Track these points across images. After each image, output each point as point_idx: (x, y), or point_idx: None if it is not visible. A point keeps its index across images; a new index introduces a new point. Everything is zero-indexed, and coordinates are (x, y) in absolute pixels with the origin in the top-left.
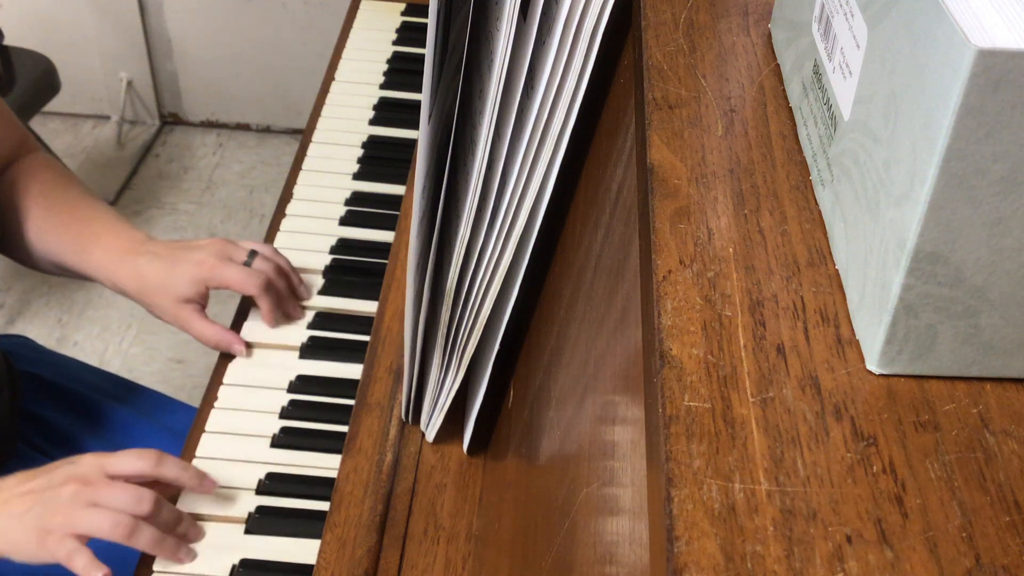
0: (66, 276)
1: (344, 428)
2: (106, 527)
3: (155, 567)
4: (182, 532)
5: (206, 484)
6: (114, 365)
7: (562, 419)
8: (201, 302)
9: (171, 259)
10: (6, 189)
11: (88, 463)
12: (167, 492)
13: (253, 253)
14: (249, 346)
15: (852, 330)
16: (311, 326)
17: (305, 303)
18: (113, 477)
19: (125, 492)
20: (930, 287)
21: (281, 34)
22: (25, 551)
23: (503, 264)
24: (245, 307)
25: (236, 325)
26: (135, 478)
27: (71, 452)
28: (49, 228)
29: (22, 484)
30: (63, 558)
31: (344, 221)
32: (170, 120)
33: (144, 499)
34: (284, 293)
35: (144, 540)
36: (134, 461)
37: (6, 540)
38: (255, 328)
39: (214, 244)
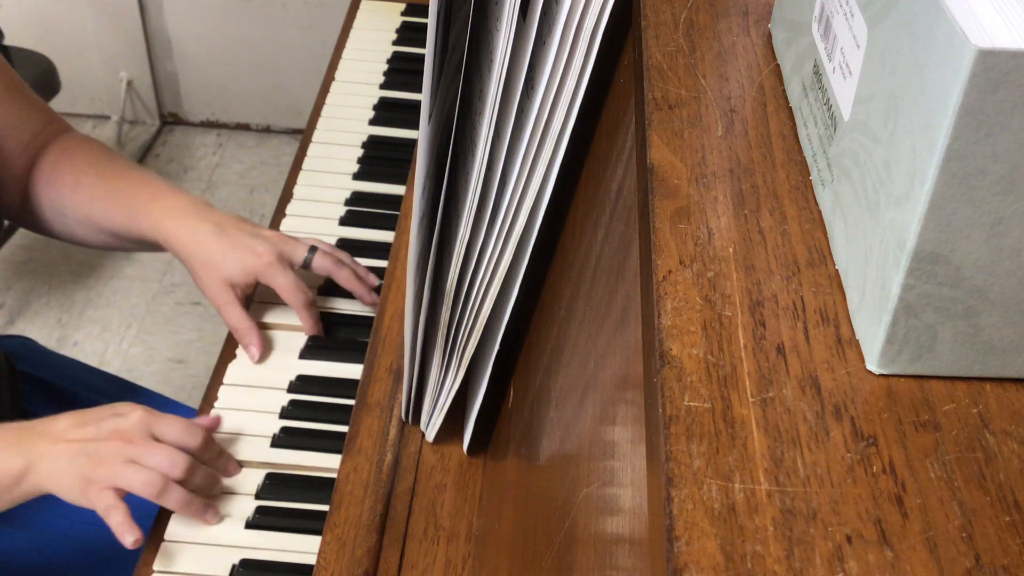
0: (109, 246)
1: (344, 428)
2: (137, 484)
3: (155, 566)
4: (215, 494)
5: (231, 469)
6: (114, 365)
7: (562, 419)
8: (246, 291)
9: (233, 239)
10: (52, 162)
11: (135, 421)
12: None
13: (313, 249)
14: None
15: (852, 330)
16: None
17: None
18: (156, 439)
19: (162, 454)
20: (930, 287)
21: (281, 34)
22: (68, 495)
23: (503, 264)
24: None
25: None
26: (176, 446)
27: None
28: (101, 194)
29: (71, 431)
30: (101, 510)
31: (344, 221)
32: (170, 120)
33: (178, 464)
34: (352, 278)
35: (172, 500)
36: (180, 434)
37: (54, 480)
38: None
39: (279, 239)
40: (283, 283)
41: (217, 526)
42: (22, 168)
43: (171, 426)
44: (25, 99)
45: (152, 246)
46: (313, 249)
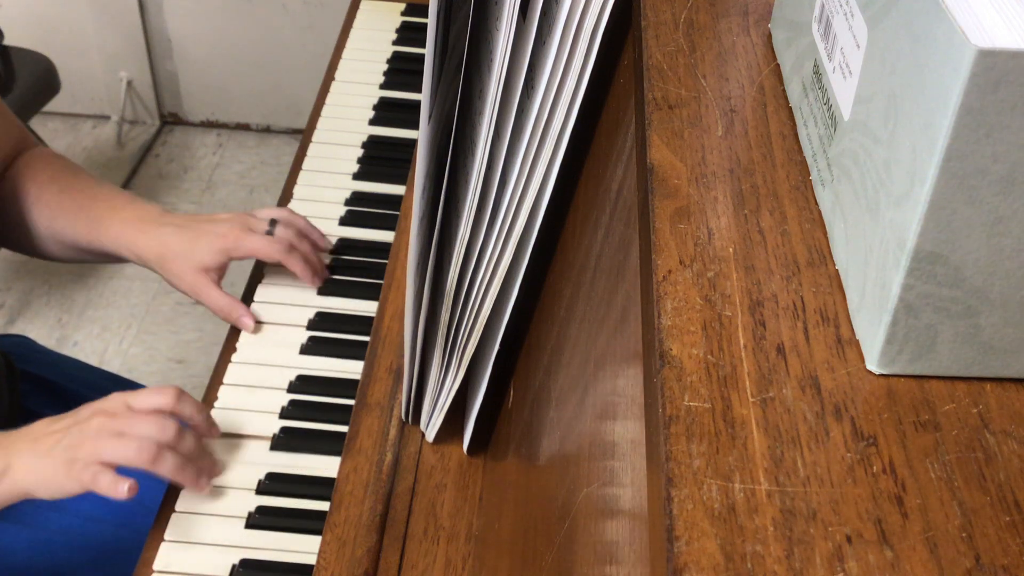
0: (77, 260)
1: (344, 428)
2: (131, 453)
3: (155, 566)
4: (206, 466)
5: (213, 431)
6: (114, 365)
7: (562, 419)
8: (219, 273)
9: (195, 230)
10: (14, 179)
11: (113, 399)
12: None
13: (273, 222)
14: (258, 323)
15: (852, 330)
16: (311, 326)
17: (305, 303)
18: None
19: (149, 420)
20: (930, 287)
21: (281, 34)
22: (53, 485)
23: (503, 264)
24: (248, 296)
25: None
26: (154, 410)
27: None
28: (64, 210)
29: (50, 426)
30: (88, 482)
31: (344, 221)
32: (170, 120)
33: (168, 427)
34: (309, 255)
35: (167, 466)
36: (156, 397)
37: (34, 477)
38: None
39: (235, 217)
40: (256, 246)
41: (217, 526)
42: None
43: (146, 395)
44: (2, 116)
45: (117, 258)
46: (273, 222)
